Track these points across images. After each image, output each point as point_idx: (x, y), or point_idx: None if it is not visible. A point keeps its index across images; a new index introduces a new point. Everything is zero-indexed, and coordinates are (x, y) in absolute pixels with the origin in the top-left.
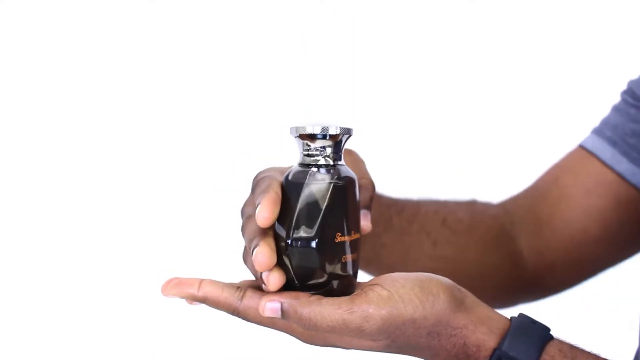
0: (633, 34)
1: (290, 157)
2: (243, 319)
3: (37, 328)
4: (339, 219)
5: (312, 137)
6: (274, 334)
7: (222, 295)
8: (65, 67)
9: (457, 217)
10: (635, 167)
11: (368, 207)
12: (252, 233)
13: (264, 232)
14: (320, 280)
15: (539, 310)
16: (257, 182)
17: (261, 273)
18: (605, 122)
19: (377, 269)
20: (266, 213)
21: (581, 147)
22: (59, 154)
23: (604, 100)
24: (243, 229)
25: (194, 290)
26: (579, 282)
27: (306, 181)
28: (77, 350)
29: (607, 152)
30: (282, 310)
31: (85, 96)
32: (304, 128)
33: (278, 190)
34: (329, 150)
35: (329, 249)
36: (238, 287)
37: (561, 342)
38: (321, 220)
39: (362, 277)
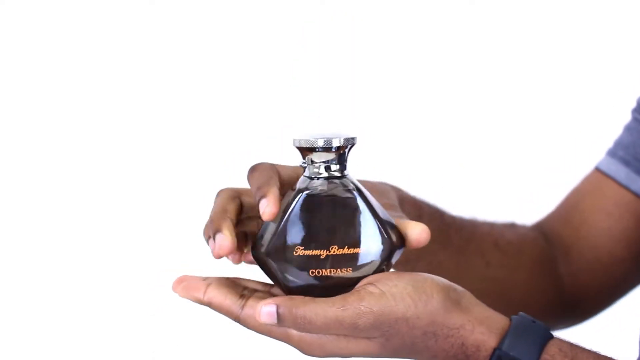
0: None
1: (290, 157)
2: (244, 326)
3: (37, 328)
4: (310, 231)
5: (312, 150)
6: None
7: (225, 302)
8: (65, 67)
9: (507, 239)
10: None
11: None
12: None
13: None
14: (286, 290)
15: None
16: (257, 171)
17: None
18: (618, 143)
19: None
20: (273, 208)
21: (597, 169)
22: (59, 154)
23: (600, 95)
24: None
25: (199, 295)
26: (613, 303)
27: (289, 191)
28: (77, 350)
29: (621, 172)
30: (278, 314)
31: (85, 96)
32: (305, 141)
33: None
34: (328, 162)
35: (285, 261)
36: (242, 295)
37: (561, 341)
38: (279, 231)
39: None
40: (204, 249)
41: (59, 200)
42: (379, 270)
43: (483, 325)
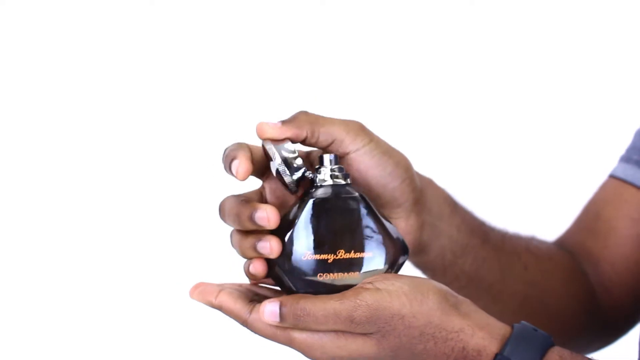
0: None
1: None
2: (251, 330)
3: (38, 328)
4: (317, 236)
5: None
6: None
7: (234, 307)
8: (65, 67)
9: (535, 245)
10: None
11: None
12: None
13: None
14: (294, 292)
15: None
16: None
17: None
18: (631, 148)
19: (477, 289)
20: (245, 166)
21: (612, 177)
22: (59, 153)
23: (599, 93)
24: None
25: (212, 298)
26: None
27: (295, 199)
28: (78, 350)
29: (639, 176)
30: (281, 311)
31: (86, 97)
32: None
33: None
34: (333, 170)
35: (294, 265)
36: (252, 301)
37: (562, 349)
38: (288, 236)
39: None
40: (202, 249)
41: (58, 200)
42: None
43: (484, 331)
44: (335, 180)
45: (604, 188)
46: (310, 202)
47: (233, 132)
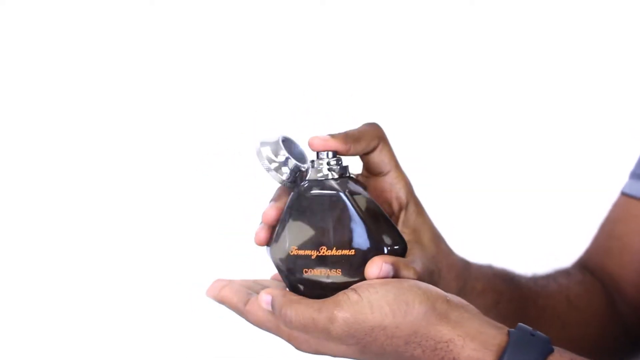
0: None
1: None
2: (246, 320)
3: (38, 328)
4: (302, 232)
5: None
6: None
7: (233, 299)
8: (64, 67)
9: (575, 293)
10: None
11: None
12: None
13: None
14: (290, 288)
15: None
16: None
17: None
18: (639, 163)
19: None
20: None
21: (623, 194)
22: (58, 153)
23: (598, 96)
24: None
25: (216, 292)
26: None
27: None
28: (78, 350)
29: None
30: (272, 303)
31: (86, 97)
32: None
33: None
34: (328, 165)
35: (283, 260)
36: (249, 294)
37: (562, 355)
38: (277, 231)
39: None
40: (203, 248)
41: (58, 200)
42: None
43: (476, 342)
44: (331, 173)
45: (616, 206)
46: (291, 197)
47: (233, 132)
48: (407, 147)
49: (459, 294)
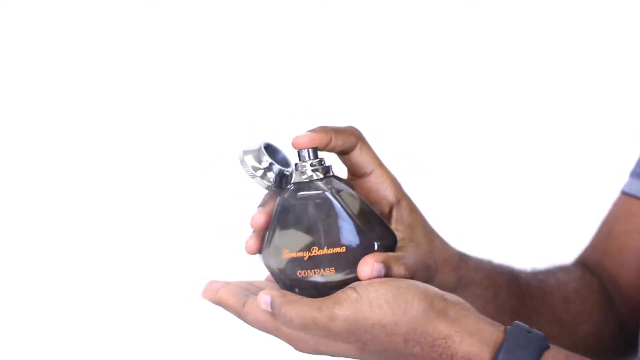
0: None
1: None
2: (244, 321)
3: (37, 328)
4: (292, 234)
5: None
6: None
7: (230, 301)
8: (64, 67)
9: (573, 289)
10: None
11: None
12: None
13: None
14: (283, 288)
15: None
16: None
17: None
18: (639, 162)
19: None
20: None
21: (623, 193)
22: (58, 153)
23: (598, 95)
24: None
25: (213, 295)
26: None
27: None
28: (77, 350)
29: None
30: (271, 303)
31: (86, 97)
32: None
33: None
34: (313, 165)
35: (275, 264)
36: (246, 295)
37: (557, 352)
38: (267, 236)
39: None
40: (202, 249)
41: (58, 200)
42: None
43: (473, 337)
44: (315, 174)
45: (616, 205)
46: (278, 202)
47: (233, 132)
48: (409, 146)
49: (457, 286)
